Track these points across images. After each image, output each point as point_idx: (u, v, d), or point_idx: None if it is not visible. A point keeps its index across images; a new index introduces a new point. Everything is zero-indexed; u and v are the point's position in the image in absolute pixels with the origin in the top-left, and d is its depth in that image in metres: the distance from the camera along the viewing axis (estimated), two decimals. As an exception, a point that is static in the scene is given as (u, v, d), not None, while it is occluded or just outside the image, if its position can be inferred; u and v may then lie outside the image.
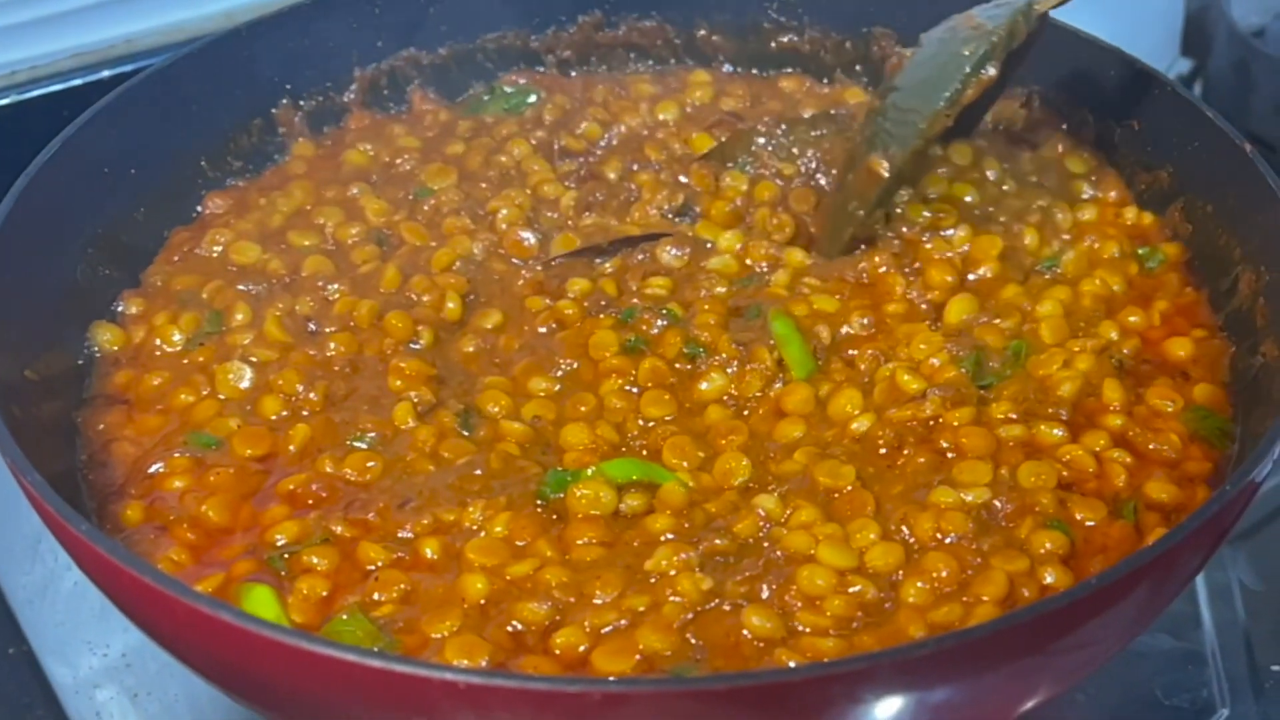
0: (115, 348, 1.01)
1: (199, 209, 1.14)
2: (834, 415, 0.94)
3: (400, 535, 0.86)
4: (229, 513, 0.88)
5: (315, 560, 0.84)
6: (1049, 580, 0.82)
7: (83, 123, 1.04)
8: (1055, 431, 0.91)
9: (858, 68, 1.27)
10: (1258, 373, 0.95)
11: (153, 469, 0.91)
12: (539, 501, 0.88)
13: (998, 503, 0.87)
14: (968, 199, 1.11)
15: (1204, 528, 0.76)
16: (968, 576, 0.82)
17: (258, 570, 0.84)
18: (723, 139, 1.18)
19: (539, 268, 1.07)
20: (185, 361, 0.99)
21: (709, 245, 1.09)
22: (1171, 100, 1.09)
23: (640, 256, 1.08)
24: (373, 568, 0.84)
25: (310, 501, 0.89)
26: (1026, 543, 0.84)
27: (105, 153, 1.06)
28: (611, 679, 0.76)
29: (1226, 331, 1.01)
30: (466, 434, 0.93)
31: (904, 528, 0.86)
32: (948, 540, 0.85)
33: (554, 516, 0.88)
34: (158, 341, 1.01)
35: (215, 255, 1.08)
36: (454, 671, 0.67)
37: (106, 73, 1.30)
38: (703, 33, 1.29)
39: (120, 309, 1.04)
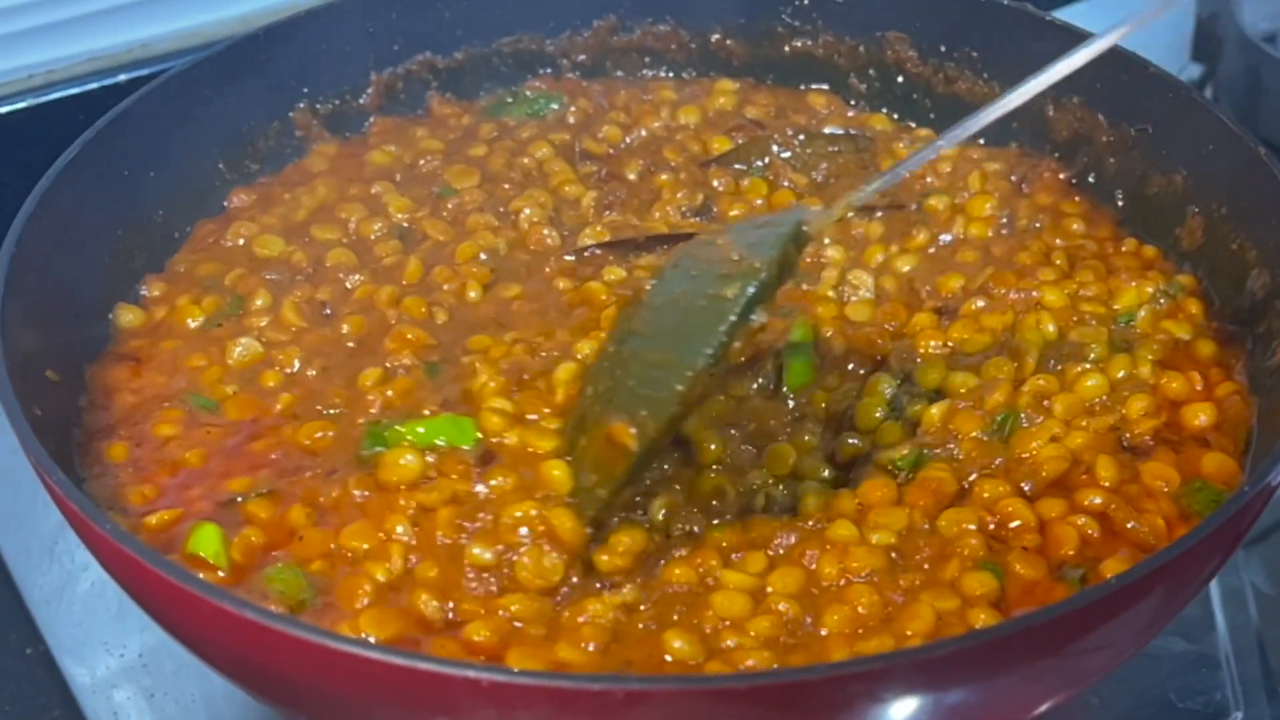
0: (136, 325, 1.02)
1: (224, 204, 1.14)
2: None
3: (319, 500, 0.87)
4: (204, 464, 0.91)
5: (257, 511, 0.86)
6: (981, 622, 0.79)
7: (102, 126, 1.04)
8: (1000, 489, 0.86)
9: (871, 72, 1.27)
10: (1274, 373, 0.95)
11: (146, 417, 0.94)
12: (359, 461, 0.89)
13: (919, 542, 0.83)
14: None
15: (1220, 531, 0.76)
16: (890, 610, 0.80)
17: (211, 511, 0.87)
18: (740, 141, 1.18)
19: (569, 257, 1.08)
20: (199, 336, 1.01)
21: None
22: (1185, 104, 1.09)
23: None
24: (299, 528, 0.86)
25: (270, 458, 0.90)
26: (956, 583, 0.81)
27: (124, 155, 1.06)
28: (634, 677, 0.76)
29: (1245, 333, 1.00)
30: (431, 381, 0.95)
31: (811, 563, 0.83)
32: (860, 577, 0.82)
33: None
34: (176, 320, 1.02)
35: (239, 246, 1.09)
36: (476, 669, 0.68)
37: (123, 77, 1.30)
38: (717, 36, 1.30)
39: (144, 293, 1.05)
